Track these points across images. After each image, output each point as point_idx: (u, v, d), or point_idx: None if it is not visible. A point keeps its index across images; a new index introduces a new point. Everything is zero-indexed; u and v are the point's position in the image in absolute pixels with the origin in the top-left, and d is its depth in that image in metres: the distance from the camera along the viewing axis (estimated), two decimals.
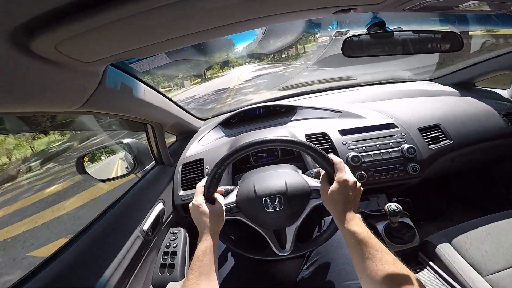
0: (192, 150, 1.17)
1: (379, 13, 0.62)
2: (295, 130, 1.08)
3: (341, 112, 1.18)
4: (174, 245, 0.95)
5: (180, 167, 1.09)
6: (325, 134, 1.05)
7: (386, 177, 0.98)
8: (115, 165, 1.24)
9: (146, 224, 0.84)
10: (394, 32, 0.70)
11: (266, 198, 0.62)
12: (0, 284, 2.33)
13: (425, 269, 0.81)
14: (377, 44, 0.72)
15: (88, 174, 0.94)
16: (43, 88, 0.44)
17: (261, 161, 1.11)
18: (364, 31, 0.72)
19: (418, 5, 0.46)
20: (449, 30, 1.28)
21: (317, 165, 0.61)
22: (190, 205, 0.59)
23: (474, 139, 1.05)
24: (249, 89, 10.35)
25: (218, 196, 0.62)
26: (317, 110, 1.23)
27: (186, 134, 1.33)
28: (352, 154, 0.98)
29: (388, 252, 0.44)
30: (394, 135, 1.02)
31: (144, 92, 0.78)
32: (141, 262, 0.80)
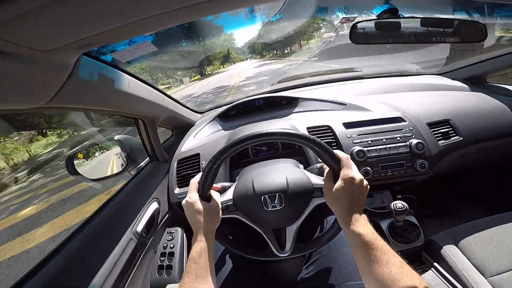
0: (188, 144, 1.12)
1: None
2: (296, 122, 1.03)
3: (345, 104, 1.13)
4: (171, 245, 0.92)
5: (175, 163, 1.04)
6: (329, 127, 1.00)
7: (393, 173, 0.94)
8: (109, 163, 1.20)
9: (140, 225, 0.81)
10: (409, 19, 0.64)
11: (266, 196, 0.59)
12: None
13: (430, 270, 0.80)
14: (390, 31, 0.67)
15: (80, 174, 0.90)
16: None
17: (261, 155, 1.06)
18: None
19: None
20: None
21: (320, 160, 0.56)
22: (183, 202, 0.56)
23: (485, 136, 1.01)
24: (250, 86, 10.10)
25: (214, 193, 0.58)
26: (320, 102, 1.18)
27: (182, 128, 1.28)
28: (357, 148, 0.94)
29: (395, 254, 0.43)
30: (402, 129, 0.97)
31: (129, 84, 0.72)
32: (137, 264, 0.77)
